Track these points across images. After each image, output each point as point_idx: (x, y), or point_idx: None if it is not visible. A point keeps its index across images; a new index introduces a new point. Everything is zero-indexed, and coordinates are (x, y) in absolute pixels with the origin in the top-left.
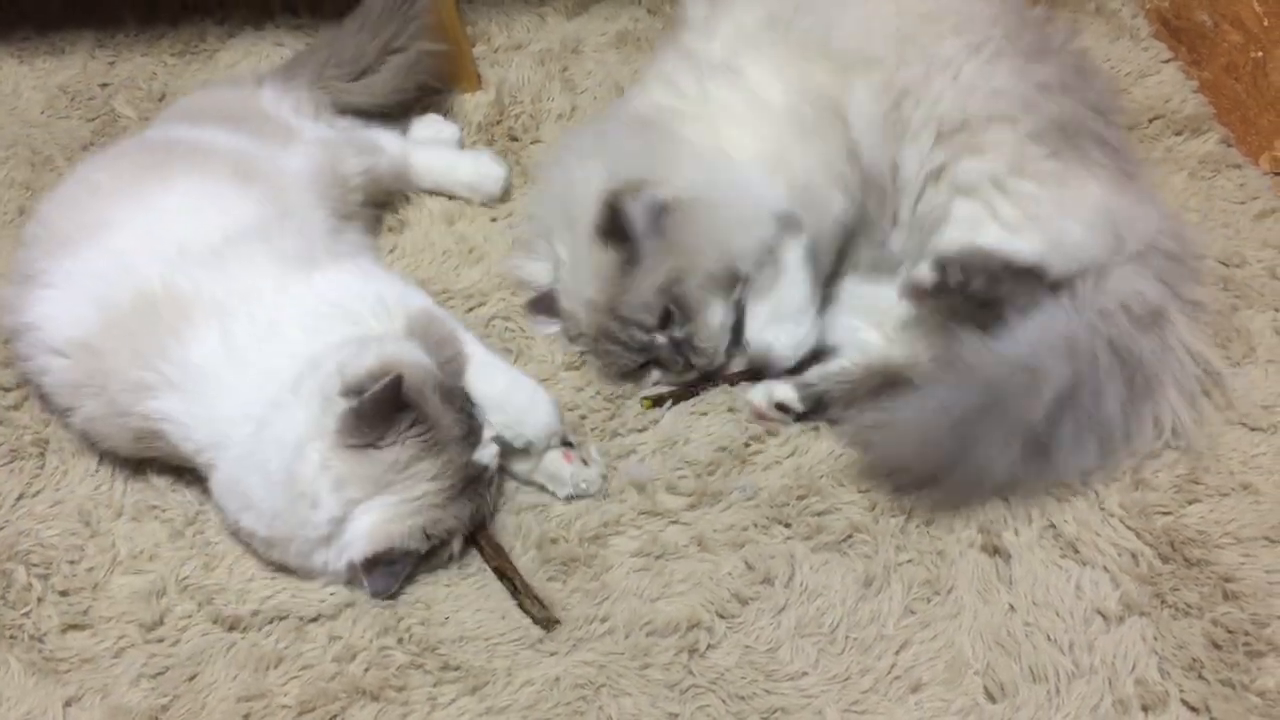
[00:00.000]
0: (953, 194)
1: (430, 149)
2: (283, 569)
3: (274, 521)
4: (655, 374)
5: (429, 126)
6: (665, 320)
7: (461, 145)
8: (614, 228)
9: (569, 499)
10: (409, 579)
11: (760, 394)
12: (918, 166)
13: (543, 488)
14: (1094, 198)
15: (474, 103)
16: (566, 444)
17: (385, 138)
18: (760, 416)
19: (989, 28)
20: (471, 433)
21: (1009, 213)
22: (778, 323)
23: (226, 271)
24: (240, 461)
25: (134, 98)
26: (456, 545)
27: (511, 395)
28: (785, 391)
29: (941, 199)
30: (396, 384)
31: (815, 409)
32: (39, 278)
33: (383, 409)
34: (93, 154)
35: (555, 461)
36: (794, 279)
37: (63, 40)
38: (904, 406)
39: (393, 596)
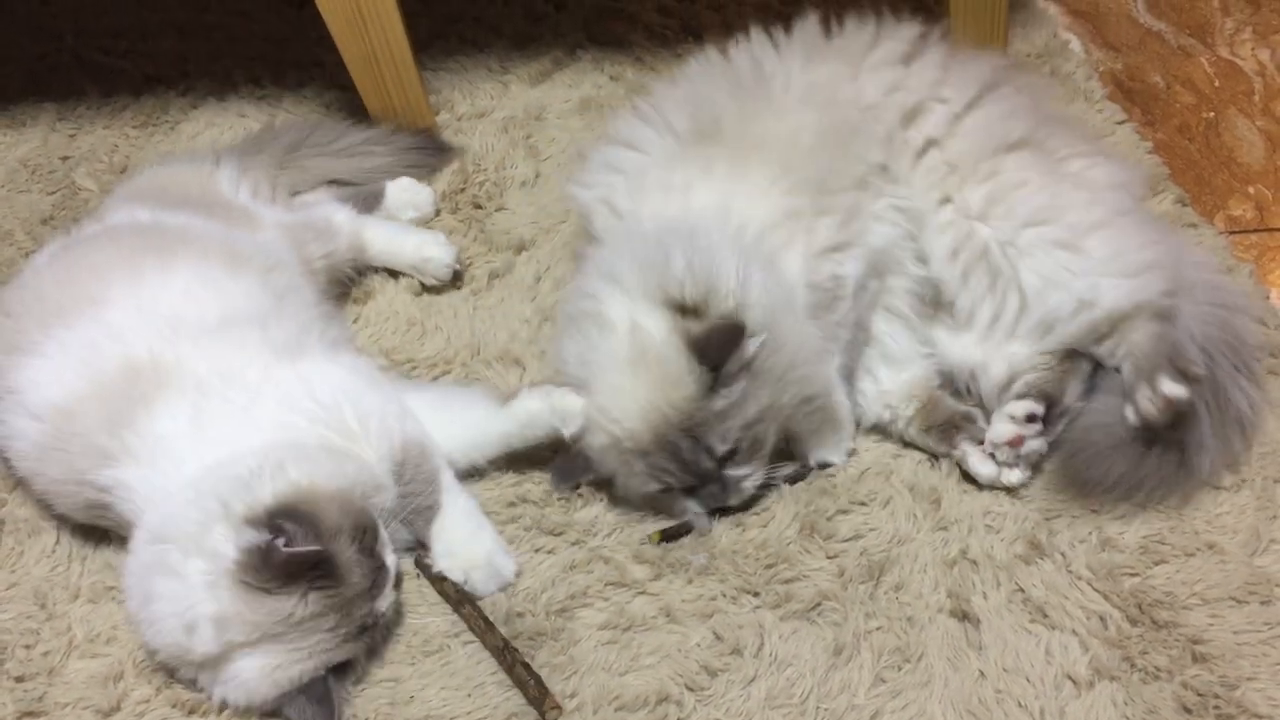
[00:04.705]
0: (1018, 227)
1: (383, 227)
2: None
3: (152, 625)
4: (689, 504)
5: (405, 191)
6: (730, 455)
7: (437, 209)
8: (713, 349)
9: None
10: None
11: (1003, 427)
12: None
13: None
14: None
15: (438, 170)
16: None
17: (340, 215)
18: (1016, 443)
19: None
20: (376, 583)
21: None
22: (835, 441)
23: (215, 350)
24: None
25: (95, 170)
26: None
27: (471, 549)
28: (1021, 405)
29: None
30: (320, 557)
31: (1050, 403)
32: (30, 347)
33: (295, 568)
34: (77, 234)
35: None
36: (841, 399)
37: (23, 113)
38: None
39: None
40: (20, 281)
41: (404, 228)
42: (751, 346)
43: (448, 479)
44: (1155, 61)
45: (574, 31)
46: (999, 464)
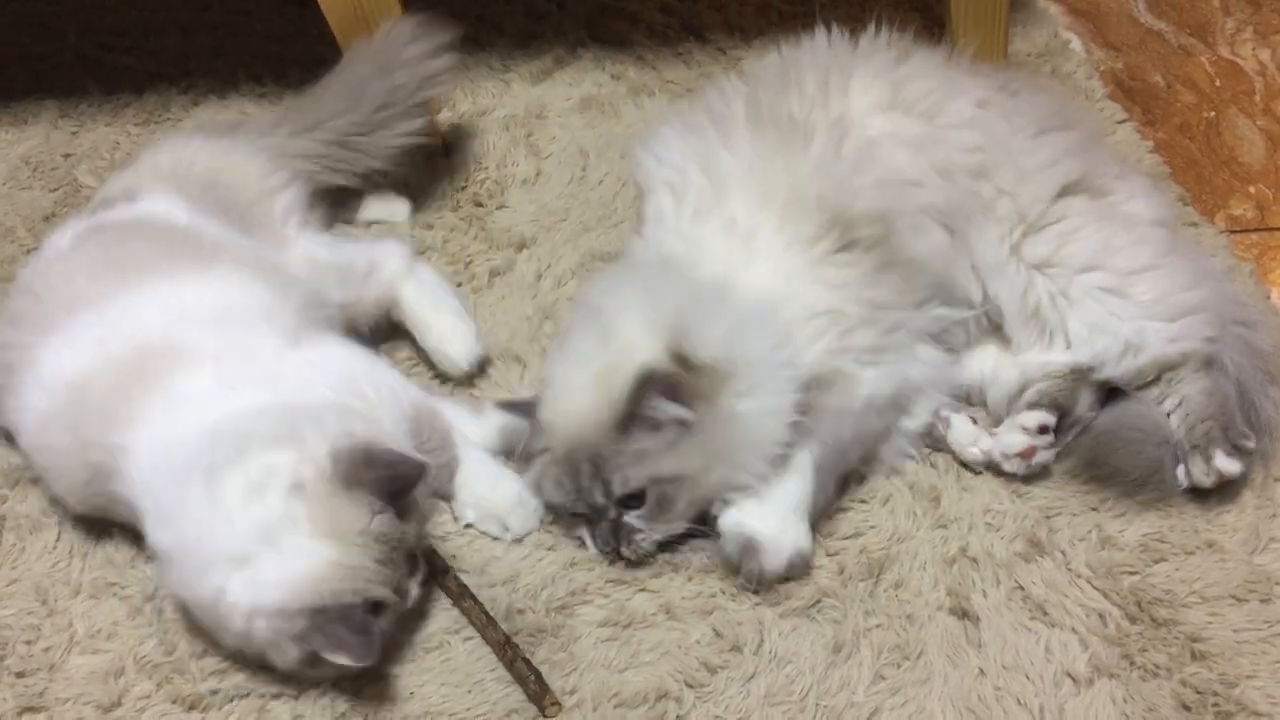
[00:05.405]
0: (1071, 275)
1: (424, 295)
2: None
3: (184, 528)
4: (585, 534)
5: (384, 204)
6: (631, 502)
7: (413, 222)
8: (638, 390)
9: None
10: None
11: (1015, 438)
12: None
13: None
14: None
15: (439, 168)
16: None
17: (391, 260)
18: (1028, 454)
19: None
20: (414, 571)
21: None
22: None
23: (228, 333)
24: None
25: (97, 168)
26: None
27: (498, 493)
28: (1034, 416)
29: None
30: (418, 472)
31: (1062, 413)
32: (53, 328)
33: (387, 476)
34: (105, 216)
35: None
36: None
37: (25, 111)
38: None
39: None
40: (45, 263)
41: (445, 306)
42: (672, 410)
43: (458, 434)
44: (1156, 61)
45: (576, 30)
46: (985, 456)
